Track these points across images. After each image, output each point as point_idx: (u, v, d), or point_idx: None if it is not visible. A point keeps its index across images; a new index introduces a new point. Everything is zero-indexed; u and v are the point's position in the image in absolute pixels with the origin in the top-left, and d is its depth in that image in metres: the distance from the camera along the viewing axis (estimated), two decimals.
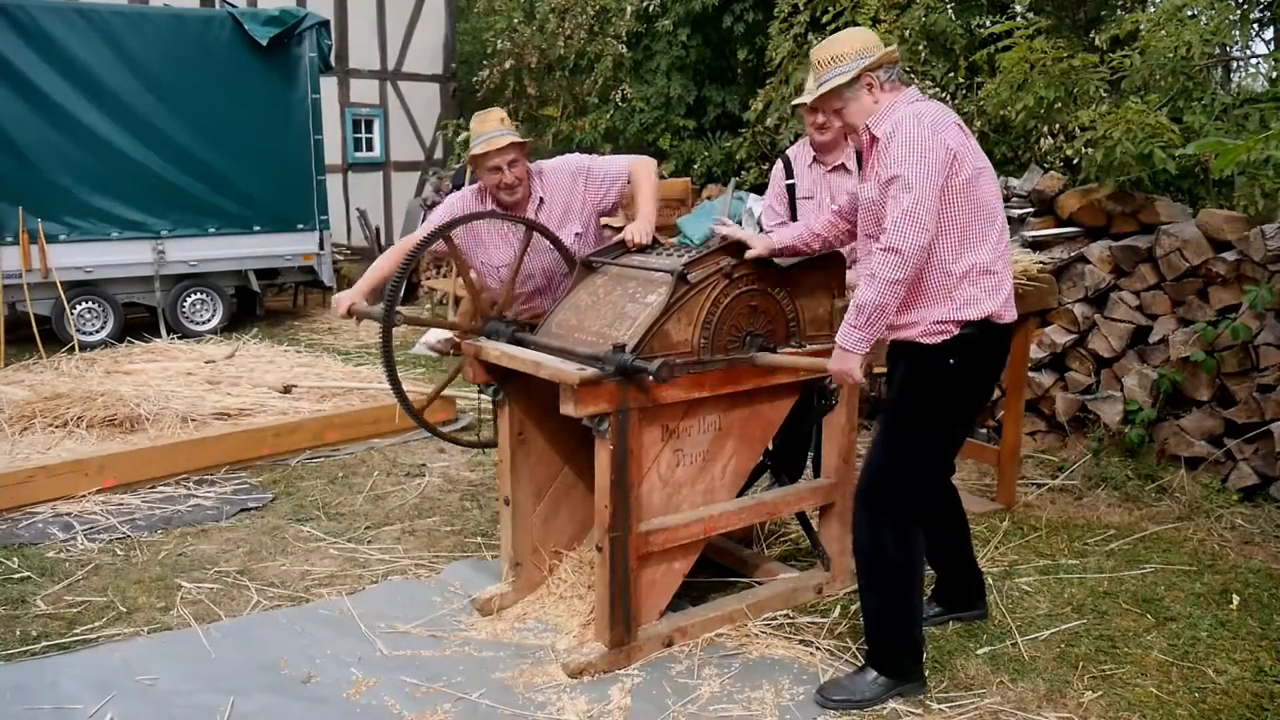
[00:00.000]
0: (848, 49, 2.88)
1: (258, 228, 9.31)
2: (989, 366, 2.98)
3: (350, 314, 3.67)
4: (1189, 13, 5.36)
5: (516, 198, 3.73)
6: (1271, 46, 7.02)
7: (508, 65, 10.71)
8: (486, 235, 3.86)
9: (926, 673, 3.07)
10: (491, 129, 3.66)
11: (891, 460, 2.95)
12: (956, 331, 2.82)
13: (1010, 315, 2.91)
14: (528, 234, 3.68)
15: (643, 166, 3.86)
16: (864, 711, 2.94)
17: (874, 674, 2.97)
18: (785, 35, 7.69)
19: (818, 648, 3.30)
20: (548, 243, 3.74)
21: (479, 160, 3.67)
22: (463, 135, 10.47)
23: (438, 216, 3.83)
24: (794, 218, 4.31)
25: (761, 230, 3.90)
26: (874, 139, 2.86)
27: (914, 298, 2.83)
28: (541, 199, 3.80)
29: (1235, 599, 3.64)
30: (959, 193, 2.76)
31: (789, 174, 4.34)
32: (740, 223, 3.84)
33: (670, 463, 3.23)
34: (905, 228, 2.67)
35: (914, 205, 2.67)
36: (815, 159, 4.33)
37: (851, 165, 4.30)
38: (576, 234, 3.82)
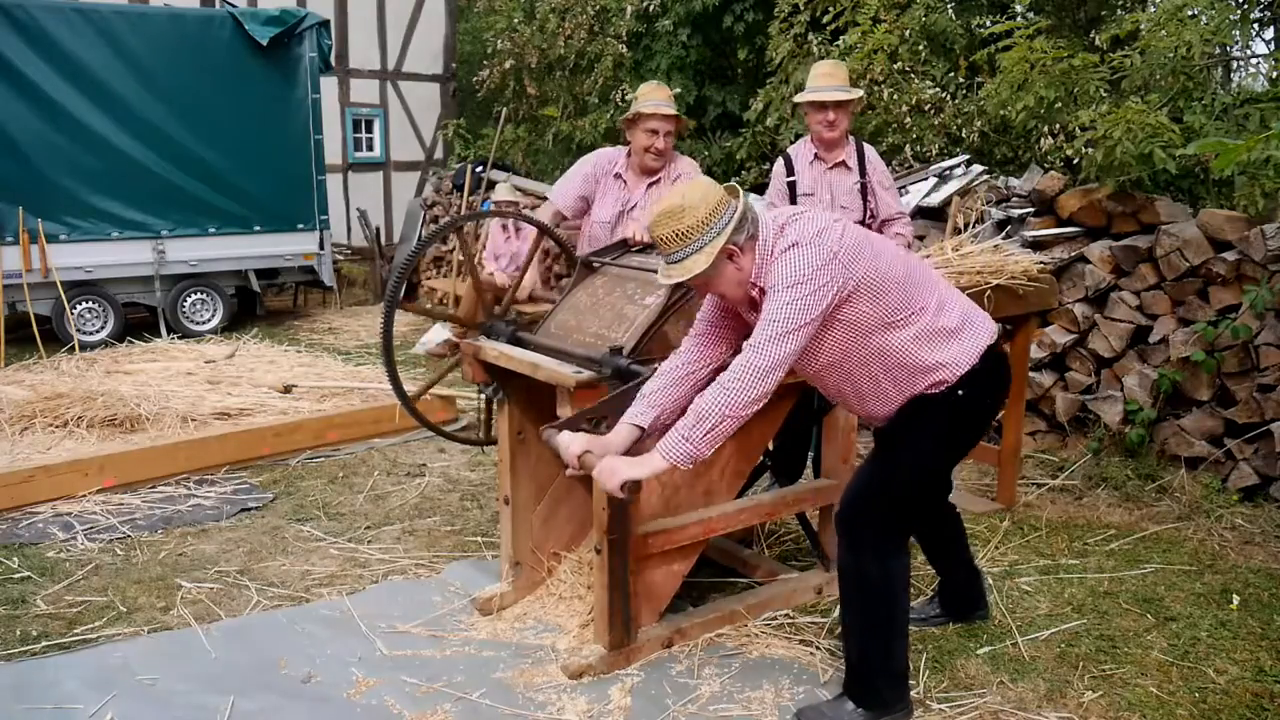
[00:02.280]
0: (691, 222, 2.51)
1: (258, 227, 9.31)
2: (994, 392, 2.83)
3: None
4: (1189, 13, 5.36)
5: (660, 164, 4.12)
6: (1271, 46, 7.02)
7: (508, 65, 10.70)
8: (604, 194, 4.18)
9: (917, 689, 3.02)
10: (662, 99, 4.06)
11: (882, 487, 2.80)
12: (955, 382, 2.69)
13: (994, 335, 2.79)
14: (539, 234, 3.72)
15: None
16: None
17: (852, 705, 2.84)
18: (785, 35, 7.69)
19: (818, 648, 3.30)
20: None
21: (642, 119, 4.03)
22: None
23: (573, 175, 4.22)
24: None
25: None
26: (762, 291, 2.60)
27: (911, 379, 2.68)
28: (658, 179, 4.13)
29: (1235, 599, 3.64)
30: (872, 293, 2.57)
31: (790, 171, 4.35)
32: None
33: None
34: (776, 340, 2.47)
35: (780, 336, 2.47)
36: (816, 156, 4.35)
37: (852, 163, 4.32)
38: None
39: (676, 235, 2.54)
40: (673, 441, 2.56)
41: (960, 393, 2.69)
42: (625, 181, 4.16)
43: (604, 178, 4.19)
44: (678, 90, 9.43)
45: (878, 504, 2.80)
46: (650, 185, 4.11)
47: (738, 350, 2.63)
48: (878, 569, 2.79)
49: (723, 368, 2.65)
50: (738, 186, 2.67)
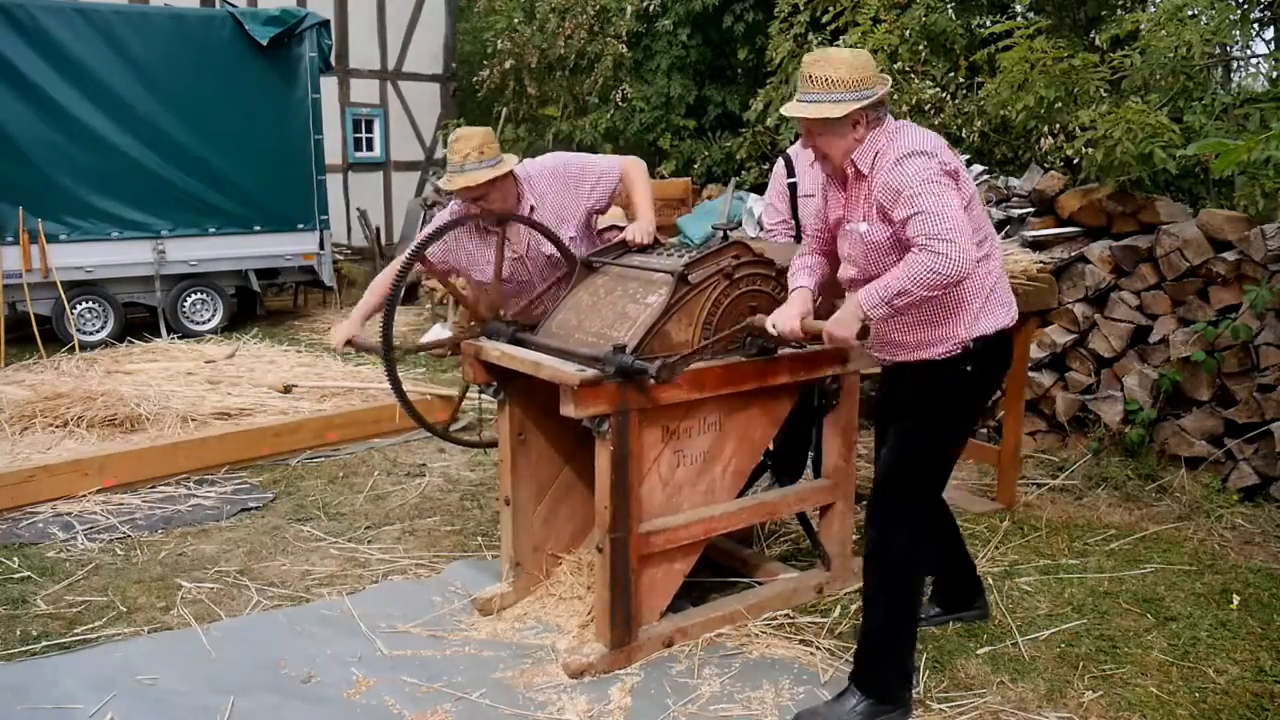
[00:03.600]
0: (846, 76, 2.70)
1: (258, 227, 9.31)
2: (1000, 370, 3.01)
3: (351, 345, 3.70)
4: (1189, 13, 5.36)
5: (504, 204, 3.66)
6: (1271, 46, 7.02)
7: (508, 65, 10.71)
8: (477, 252, 3.78)
9: (917, 689, 3.02)
10: (463, 160, 3.49)
11: (911, 468, 2.92)
12: (973, 346, 2.83)
13: (1014, 319, 2.95)
14: (502, 235, 3.65)
15: (633, 167, 3.85)
16: None
17: (854, 701, 2.88)
18: (785, 35, 7.70)
19: (818, 647, 3.30)
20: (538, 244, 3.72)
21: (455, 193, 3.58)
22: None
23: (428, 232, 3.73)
24: (795, 216, 4.32)
25: (762, 229, 3.92)
26: (860, 174, 2.79)
27: (928, 321, 2.82)
28: (532, 206, 3.75)
29: (1235, 599, 3.64)
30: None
31: (790, 173, 4.34)
32: (740, 222, 3.85)
33: (670, 463, 3.23)
34: (954, 234, 2.56)
35: (953, 222, 2.57)
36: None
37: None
38: (570, 237, 3.80)
39: (826, 80, 2.70)
40: (873, 300, 2.66)
41: (969, 368, 2.85)
42: (485, 236, 3.74)
43: (463, 239, 3.77)
44: (676, 91, 9.44)
45: (909, 480, 2.92)
46: (518, 222, 3.71)
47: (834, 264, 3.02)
48: (901, 549, 2.90)
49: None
50: (889, 78, 2.85)
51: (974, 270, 2.72)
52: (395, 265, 3.65)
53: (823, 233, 3.07)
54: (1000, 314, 2.88)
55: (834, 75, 2.69)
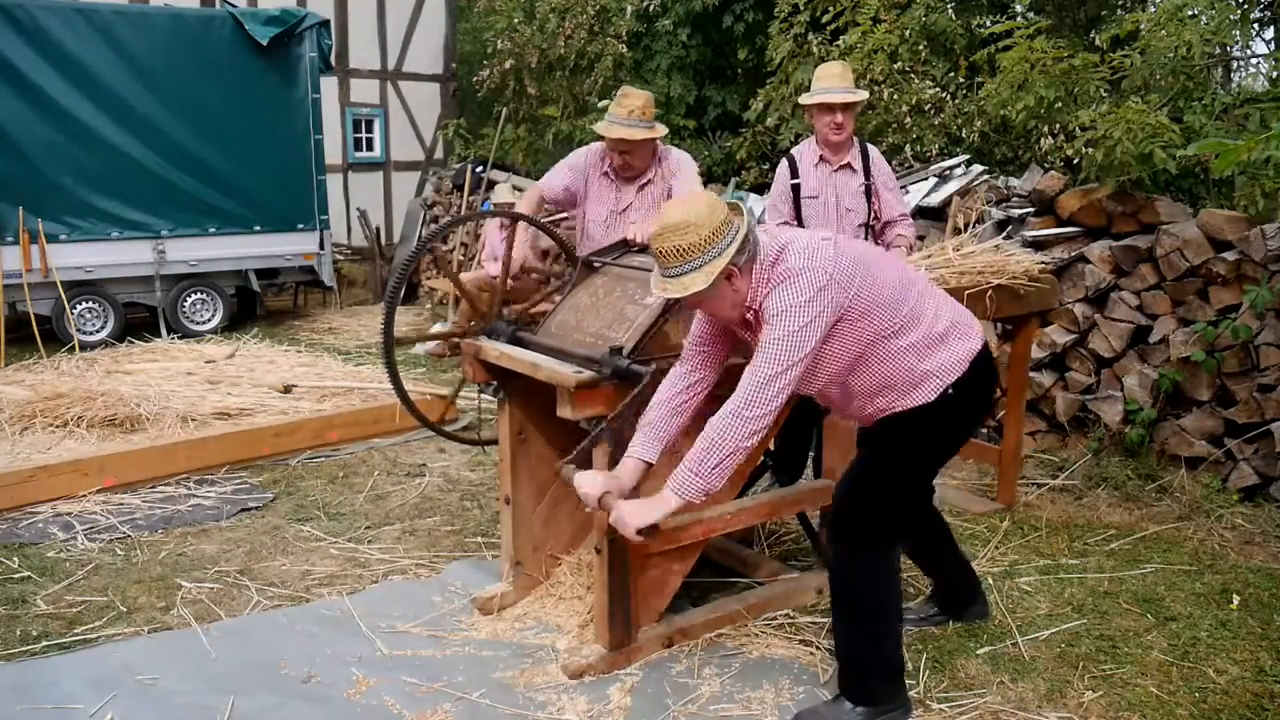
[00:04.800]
0: (695, 239, 2.49)
1: (258, 227, 9.30)
2: (984, 391, 2.86)
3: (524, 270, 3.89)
4: (1189, 13, 5.36)
5: (630, 175, 4.02)
6: (1271, 46, 7.02)
7: (508, 65, 10.69)
8: (593, 192, 4.09)
9: (917, 689, 3.02)
10: (628, 114, 3.84)
11: (871, 487, 2.83)
12: (949, 389, 2.72)
13: (980, 342, 2.81)
14: (513, 228, 3.68)
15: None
16: None
17: (850, 704, 2.86)
18: (785, 35, 7.69)
19: (818, 647, 3.30)
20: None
21: (609, 140, 3.90)
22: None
23: (557, 172, 4.15)
24: (798, 217, 4.32)
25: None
26: (757, 314, 2.63)
27: (901, 389, 2.71)
28: (650, 180, 4.02)
29: (1235, 599, 3.64)
30: (867, 310, 2.60)
31: (794, 174, 4.34)
32: None
33: (669, 463, 3.22)
34: (770, 386, 2.51)
35: (781, 371, 2.51)
36: (821, 158, 4.33)
37: (858, 165, 4.32)
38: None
39: (677, 251, 2.52)
40: (683, 478, 2.62)
41: (950, 393, 2.72)
42: (614, 182, 4.08)
43: (593, 174, 4.11)
44: (676, 91, 9.44)
45: (867, 504, 2.83)
46: (642, 187, 4.05)
47: (727, 370, 2.72)
48: (864, 568, 2.82)
49: (715, 389, 2.74)
50: (740, 204, 2.67)
51: (914, 338, 2.65)
52: (532, 191, 4.10)
53: (707, 339, 2.83)
54: (966, 345, 2.75)
55: (683, 243, 2.50)
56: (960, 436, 2.89)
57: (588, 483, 2.81)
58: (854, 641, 2.87)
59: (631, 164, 3.97)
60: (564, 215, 5.94)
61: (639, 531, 2.66)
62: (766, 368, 2.54)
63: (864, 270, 2.62)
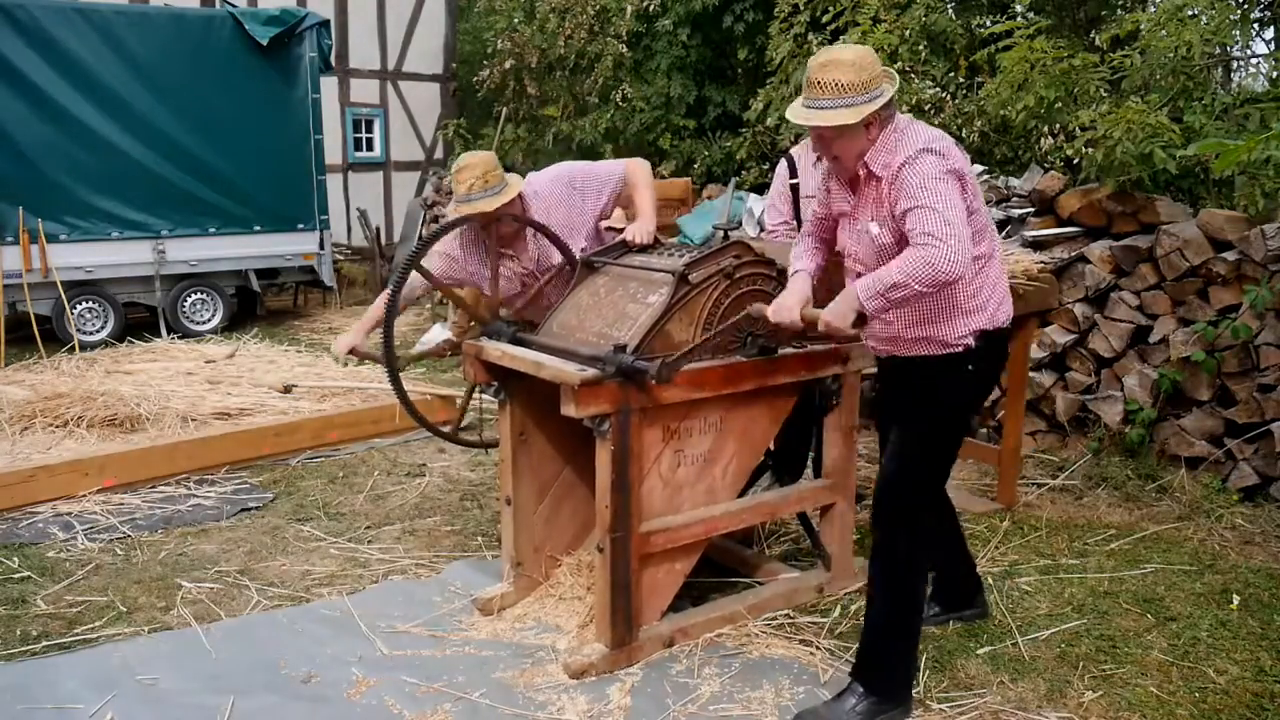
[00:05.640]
0: (855, 79, 2.65)
1: (258, 227, 9.31)
2: (997, 367, 3.05)
3: (355, 354, 3.79)
4: (1189, 12, 5.36)
5: (511, 239, 3.77)
6: (1271, 46, 7.02)
7: (508, 65, 10.70)
8: (481, 269, 3.79)
9: (917, 689, 3.02)
10: (468, 190, 3.53)
11: (914, 468, 2.93)
12: (974, 342, 2.85)
13: (1010, 318, 2.97)
14: (494, 241, 3.63)
15: (637, 167, 3.86)
16: None
17: (854, 700, 2.88)
18: (785, 35, 7.69)
19: (818, 647, 3.30)
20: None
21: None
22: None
23: (431, 260, 3.78)
24: (798, 217, 4.32)
25: (762, 229, 3.92)
26: (872, 175, 2.78)
27: (930, 316, 2.83)
28: (533, 231, 3.78)
29: (1235, 599, 3.64)
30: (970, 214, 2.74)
31: (793, 173, 4.34)
32: (740, 222, 3.85)
33: (671, 463, 3.23)
34: (952, 233, 2.55)
35: (952, 222, 2.57)
36: (820, 158, 4.33)
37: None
38: (582, 247, 3.81)
39: (836, 85, 2.65)
40: (869, 291, 2.65)
41: (969, 366, 2.87)
42: (506, 253, 3.79)
43: (477, 258, 3.80)
44: (676, 91, 9.43)
45: (914, 481, 2.93)
46: (536, 236, 3.77)
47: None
48: (906, 548, 2.91)
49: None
50: (894, 74, 2.82)
51: (972, 270, 2.74)
52: (391, 282, 3.64)
53: (825, 220, 3.07)
54: (999, 313, 2.90)
55: (844, 79, 2.65)
56: (973, 399, 3.06)
57: (784, 309, 2.93)
58: (889, 626, 2.92)
59: (503, 230, 3.68)
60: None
61: (853, 325, 2.76)
62: (939, 223, 2.55)
63: (974, 179, 2.78)
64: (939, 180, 2.62)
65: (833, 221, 3.05)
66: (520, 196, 3.71)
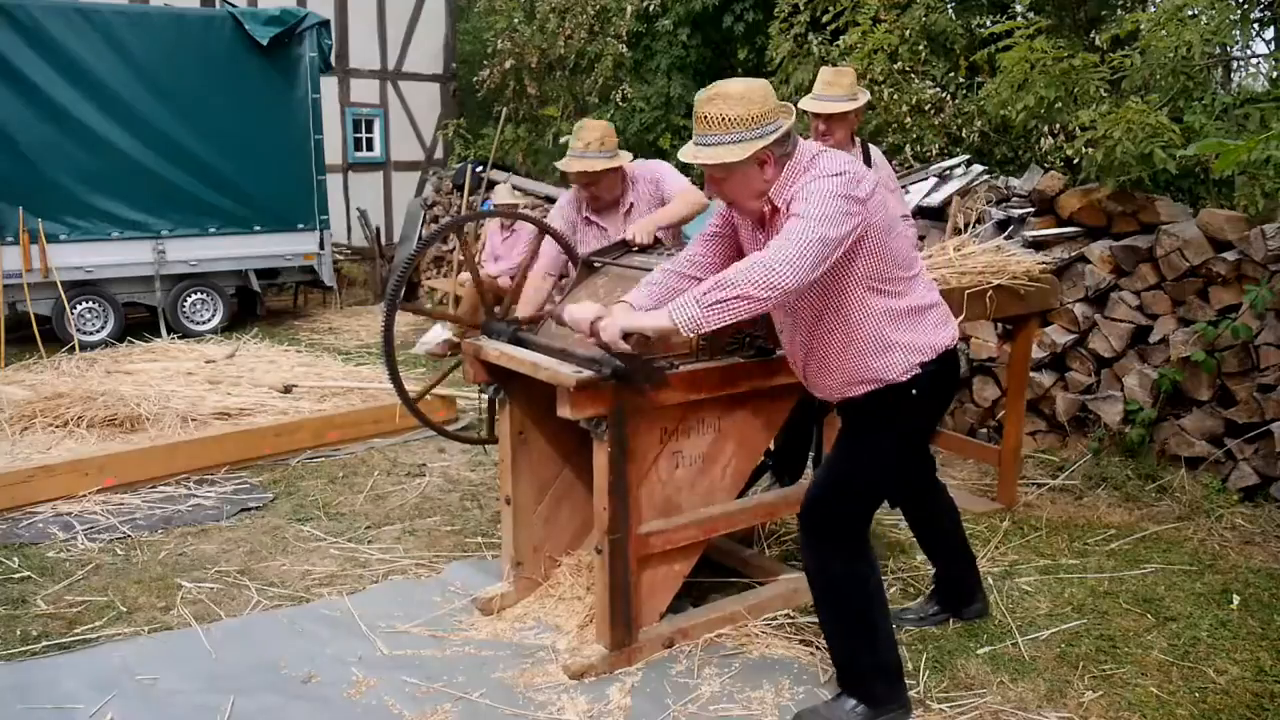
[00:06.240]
0: (744, 113, 2.48)
1: (258, 227, 9.31)
2: (946, 390, 2.86)
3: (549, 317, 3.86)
4: (1189, 13, 5.35)
5: (602, 205, 4.05)
6: (1271, 46, 7.02)
7: (508, 65, 10.70)
8: (583, 238, 4.09)
9: (917, 689, 3.02)
10: (585, 147, 3.85)
11: (841, 485, 2.82)
12: (918, 371, 2.70)
13: (954, 338, 2.81)
14: (539, 235, 3.74)
15: (692, 191, 4.00)
16: None
17: (853, 701, 2.85)
18: (785, 35, 7.69)
19: (818, 647, 3.29)
20: None
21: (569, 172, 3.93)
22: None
23: (553, 217, 4.17)
24: None
25: None
26: (776, 210, 2.61)
27: (863, 355, 2.69)
28: (632, 204, 4.02)
29: (1236, 599, 3.64)
30: (873, 247, 2.58)
31: None
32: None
33: (669, 465, 3.23)
34: (791, 262, 2.41)
35: (801, 251, 2.41)
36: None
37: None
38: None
39: (722, 119, 2.50)
40: (683, 303, 2.48)
41: (913, 391, 2.71)
42: (598, 224, 4.08)
43: (578, 224, 4.11)
44: (676, 91, 9.43)
45: (837, 504, 2.81)
46: (626, 213, 4.04)
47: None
48: (842, 569, 2.82)
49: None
50: (792, 107, 2.67)
51: (897, 300, 2.63)
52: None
53: (719, 235, 2.86)
54: (938, 337, 2.73)
55: (730, 114, 2.49)
56: (924, 427, 2.89)
57: (579, 310, 2.76)
58: (849, 647, 2.86)
59: (599, 195, 4.00)
60: None
61: (625, 335, 2.57)
62: (800, 230, 2.42)
63: (885, 209, 2.59)
64: (820, 202, 2.44)
65: (726, 242, 2.85)
66: (624, 171, 4.02)
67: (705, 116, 2.54)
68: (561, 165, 3.98)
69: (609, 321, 2.64)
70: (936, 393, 2.80)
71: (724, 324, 2.47)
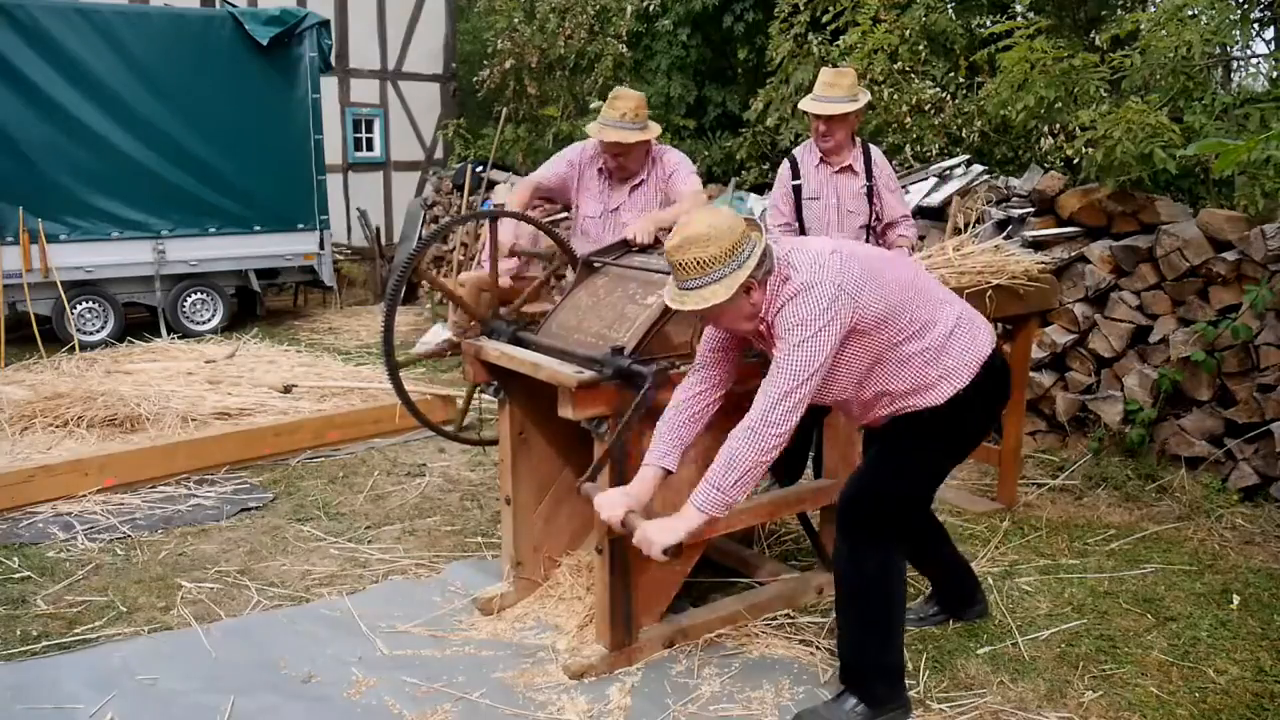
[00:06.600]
0: (717, 251, 2.51)
1: (258, 227, 9.30)
2: (995, 398, 2.88)
3: (515, 251, 3.89)
4: (1189, 12, 5.36)
5: (624, 176, 4.04)
6: (1271, 46, 7.02)
7: (508, 65, 10.70)
8: (587, 188, 4.10)
9: (917, 689, 3.02)
10: (619, 116, 3.83)
11: (884, 487, 2.84)
12: (963, 391, 2.74)
13: (992, 343, 2.83)
14: (492, 227, 3.69)
15: (699, 193, 3.98)
16: None
17: (853, 701, 2.86)
18: (785, 35, 7.69)
19: (818, 647, 3.30)
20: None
21: (602, 142, 3.92)
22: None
23: (555, 164, 4.17)
24: (800, 218, 4.32)
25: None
26: (770, 325, 2.66)
27: (908, 396, 2.73)
28: (642, 180, 4.03)
29: (1235, 599, 3.64)
30: (878, 320, 2.63)
31: (795, 174, 4.34)
32: None
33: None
34: (786, 401, 2.54)
35: (796, 386, 2.54)
36: (823, 159, 4.33)
37: (859, 167, 4.31)
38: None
39: (698, 263, 2.53)
40: (706, 493, 2.63)
41: (962, 396, 2.73)
42: (608, 179, 4.10)
43: (588, 170, 4.12)
44: (676, 91, 9.43)
45: (878, 504, 2.83)
46: (635, 188, 4.06)
47: (735, 375, 2.84)
48: (875, 567, 2.83)
49: (729, 394, 2.83)
50: (758, 221, 2.70)
51: (926, 342, 2.68)
52: (526, 183, 4.09)
53: (723, 348, 2.87)
54: (974, 349, 2.75)
55: (705, 255, 2.51)
56: (972, 439, 2.90)
57: (608, 505, 2.80)
58: (861, 641, 2.88)
59: (626, 165, 4.01)
60: (563, 215, 5.94)
61: (665, 551, 2.65)
62: (782, 384, 2.56)
63: (872, 280, 2.62)
64: (802, 339, 2.53)
65: (731, 353, 2.87)
66: (651, 146, 4.03)
67: (681, 264, 2.55)
68: (592, 131, 3.94)
69: (648, 540, 2.67)
70: (984, 402, 2.82)
71: (749, 490, 2.64)
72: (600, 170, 4.11)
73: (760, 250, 2.57)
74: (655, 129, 3.99)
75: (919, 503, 2.97)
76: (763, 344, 2.75)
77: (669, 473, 2.83)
